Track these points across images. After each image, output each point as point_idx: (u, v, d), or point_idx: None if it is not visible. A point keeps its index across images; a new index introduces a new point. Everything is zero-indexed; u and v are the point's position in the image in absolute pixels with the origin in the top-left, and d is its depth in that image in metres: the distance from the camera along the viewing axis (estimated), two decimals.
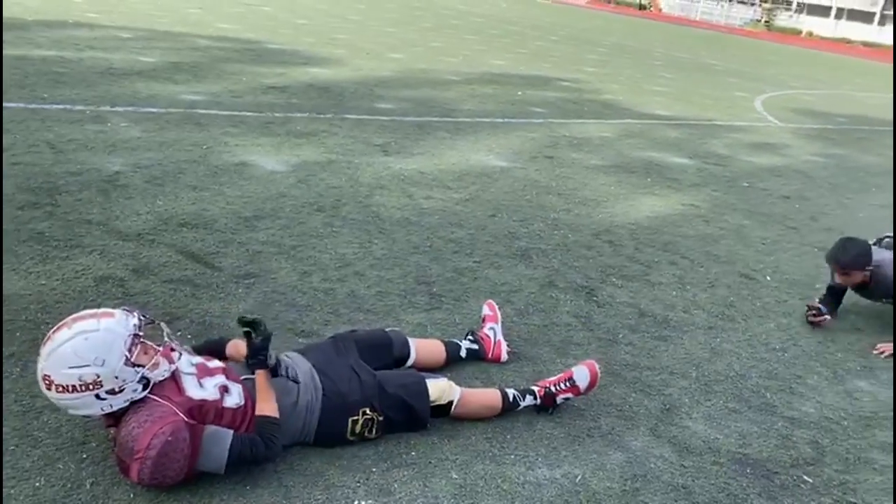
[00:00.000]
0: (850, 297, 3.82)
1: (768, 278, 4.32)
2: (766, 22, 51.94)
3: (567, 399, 2.61)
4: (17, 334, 2.62)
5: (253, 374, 2.21)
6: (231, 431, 2.05)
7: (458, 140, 6.50)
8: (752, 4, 55.01)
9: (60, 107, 5.61)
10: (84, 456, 2.09)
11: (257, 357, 2.19)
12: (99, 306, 2.28)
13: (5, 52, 7.22)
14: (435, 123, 7.04)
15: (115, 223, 3.69)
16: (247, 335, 2.20)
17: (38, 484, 1.97)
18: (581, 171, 6.10)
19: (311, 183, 4.74)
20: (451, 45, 13.90)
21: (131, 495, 1.98)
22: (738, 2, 56.01)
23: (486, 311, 3.03)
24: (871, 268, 3.53)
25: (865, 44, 45.41)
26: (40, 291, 2.94)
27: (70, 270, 3.14)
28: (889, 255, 3.62)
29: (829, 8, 51.44)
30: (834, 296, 3.77)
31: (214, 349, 2.40)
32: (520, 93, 9.62)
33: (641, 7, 56.87)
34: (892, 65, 28.47)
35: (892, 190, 6.78)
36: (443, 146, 6.20)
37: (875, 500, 2.44)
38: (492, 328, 2.94)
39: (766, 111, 11.51)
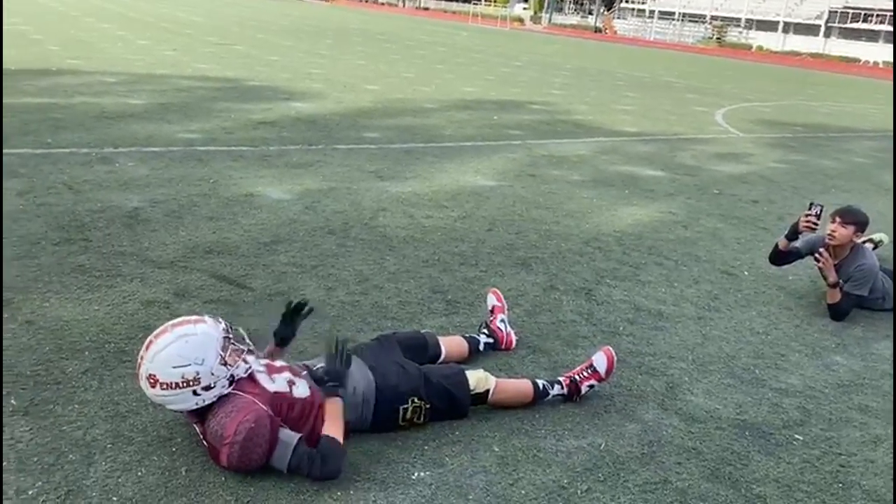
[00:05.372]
0: (823, 285, 4.23)
1: (746, 273, 4.72)
2: (717, 39, 53.70)
3: (591, 387, 2.92)
4: (86, 353, 2.89)
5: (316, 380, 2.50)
6: (297, 437, 2.28)
7: (445, 163, 6.87)
8: (703, 22, 56.82)
9: (67, 150, 5.87)
10: (174, 449, 2.37)
11: (335, 382, 2.42)
12: (151, 327, 2.54)
13: None
14: (421, 149, 7.41)
15: (146, 253, 3.96)
16: (331, 355, 2.45)
17: (140, 473, 2.24)
18: (564, 187, 6.50)
19: (317, 209, 5.05)
20: (423, 75, 14.36)
21: (223, 478, 2.25)
22: (690, 21, 57.82)
23: (493, 301, 3.37)
24: (862, 240, 4.07)
25: (813, 55, 47.20)
26: (95, 316, 3.20)
27: (117, 296, 3.41)
28: (871, 253, 4.23)
29: (777, 22, 53.38)
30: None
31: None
32: (495, 117, 10.05)
33: (597, 30, 58.38)
34: (839, 76, 29.66)
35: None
36: (432, 170, 6.57)
37: (857, 450, 2.81)
38: (502, 320, 3.30)
39: (727, 123, 12.11)
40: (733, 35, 54.73)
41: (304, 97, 9.86)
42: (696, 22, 57.70)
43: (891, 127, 14.27)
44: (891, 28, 47.12)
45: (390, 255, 4.30)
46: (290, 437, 2.29)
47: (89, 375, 2.73)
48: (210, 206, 4.88)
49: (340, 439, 2.33)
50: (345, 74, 13.02)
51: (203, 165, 5.86)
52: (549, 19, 63.52)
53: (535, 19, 63.24)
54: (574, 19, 64.88)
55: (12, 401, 2.53)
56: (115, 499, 2.13)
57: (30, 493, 2.12)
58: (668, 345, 3.56)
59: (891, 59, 44.71)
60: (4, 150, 5.63)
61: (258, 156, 6.37)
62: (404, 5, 73.07)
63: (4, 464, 2.22)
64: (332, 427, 2.36)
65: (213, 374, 2.21)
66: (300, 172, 5.94)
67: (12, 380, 2.65)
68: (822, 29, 50.81)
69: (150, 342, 2.21)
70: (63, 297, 3.35)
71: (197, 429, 2.34)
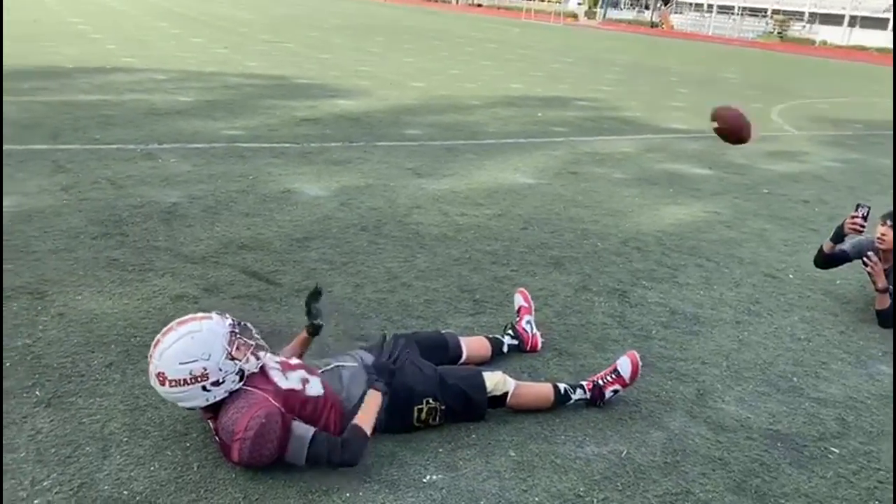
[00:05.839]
0: (872, 290, 4.03)
1: (791, 276, 4.54)
2: (779, 33, 52.13)
3: (616, 392, 2.84)
4: (112, 346, 2.94)
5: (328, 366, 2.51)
6: (312, 429, 2.29)
7: (485, 161, 6.81)
8: (764, 16, 55.22)
9: (114, 146, 6.01)
10: (188, 444, 2.38)
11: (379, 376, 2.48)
12: None
13: (54, 98, 7.70)
14: (461, 146, 7.37)
15: (180, 248, 4.02)
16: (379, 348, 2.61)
17: (152, 468, 2.26)
18: (605, 185, 6.37)
19: (352, 206, 5.05)
20: (470, 72, 14.31)
21: (233, 475, 2.26)
22: (750, 15, 56.26)
23: (520, 301, 3.31)
24: None
25: (880, 50, 45.37)
26: (125, 310, 3.26)
27: (148, 291, 3.47)
28: None
29: (842, 16, 51.53)
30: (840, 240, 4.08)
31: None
32: (540, 114, 9.94)
33: (653, 25, 57.33)
34: None
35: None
36: (471, 167, 6.51)
37: None
38: (528, 321, 3.23)
39: (783, 121, 11.72)
40: (796, 30, 53.04)
41: (350, 94, 9.92)
42: (757, 16, 56.12)
43: None
44: None
45: (421, 253, 4.28)
46: (305, 430, 2.28)
47: (112, 369, 2.77)
48: (247, 202, 4.93)
49: (367, 429, 2.33)
50: (392, 72, 13.06)
51: (244, 162, 5.93)
52: (604, 15, 62.68)
53: (590, 15, 62.48)
54: (630, 15, 63.86)
55: (37, 392, 2.58)
56: (125, 493, 2.15)
57: (44, 483, 2.15)
58: (701, 350, 3.44)
59: None
60: (54, 147, 5.80)
61: (299, 153, 6.42)
62: (457, 2, 73.02)
63: (23, 454, 2.27)
64: (363, 417, 2.36)
65: (220, 369, 2.21)
66: (338, 169, 5.96)
67: (39, 371, 2.71)
68: (891, 22, 48.82)
69: (158, 341, 2.23)
70: (95, 290, 3.42)
71: (211, 425, 2.35)
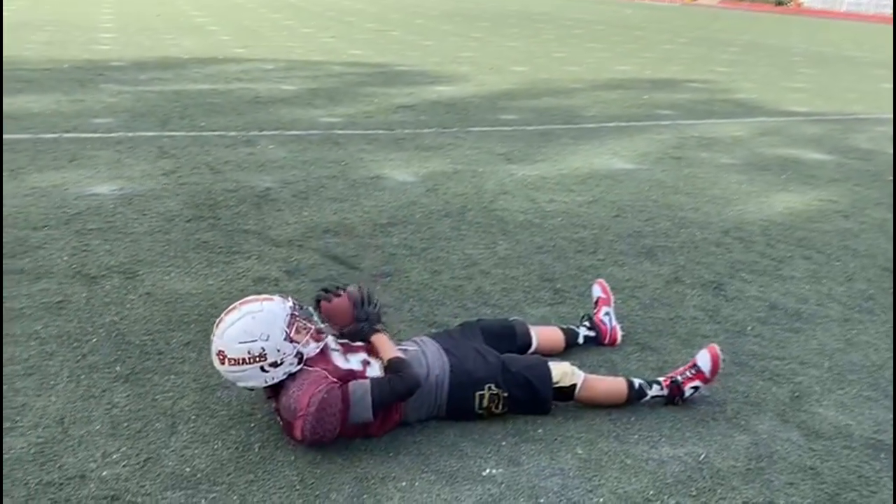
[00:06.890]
0: None
1: None
2: None
3: (696, 389, 2.65)
4: (192, 326, 3.02)
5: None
6: (367, 382, 2.29)
7: (581, 145, 6.60)
8: None
9: (216, 133, 6.23)
10: (252, 425, 2.41)
11: (369, 323, 2.50)
12: None
13: (167, 87, 8.08)
14: (558, 131, 7.18)
15: (268, 232, 4.10)
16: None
17: (216, 446, 2.30)
18: (710, 171, 6.03)
19: (438, 192, 5.01)
20: (575, 55, 13.96)
21: (292, 457, 2.26)
22: None
23: (598, 292, 3.14)
24: None
25: None
26: (208, 290, 3.35)
27: (232, 273, 3.55)
28: None
29: None
30: None
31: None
32: (646, 96, 9.56)
33: (779, 3, 54.06)
34: None
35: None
36: (566, 152, 6.33)
37: None
38: (607, 313, 3.07)
39: None
40: None
41: (449, 81, 9.88)
42: None
43: None
44: None
45: (503, 240, 4.18)
46: (362, 387, 2.27)
47: (190, 347, 2.85)
48: (337, 187, 4.98)
49: (401, 356, 2.39)
50: (493, 57, 12.91)
51: (339, 148, 6.01)
52: None
53: None
54: None
55: (117, 367, 2.69)
56: (188, 469, 2.19)
57: (114, 457, 2.23)
58: (801, 349, 3.17)
59: None
60: (162, 133, 6.08)
61: (392, 139, 6.44)
62: None
63: (98, 427, 2.36)
64: (389, 352, 2.40)
65: (278, 350, 2.22)
66: (429, 155, 5.93)
67: (122, 348, 2.82)
68: None
69: (221, 320, 2.26)
70: (183, 271, 3.54)
71: (273, 404, 2.36)
